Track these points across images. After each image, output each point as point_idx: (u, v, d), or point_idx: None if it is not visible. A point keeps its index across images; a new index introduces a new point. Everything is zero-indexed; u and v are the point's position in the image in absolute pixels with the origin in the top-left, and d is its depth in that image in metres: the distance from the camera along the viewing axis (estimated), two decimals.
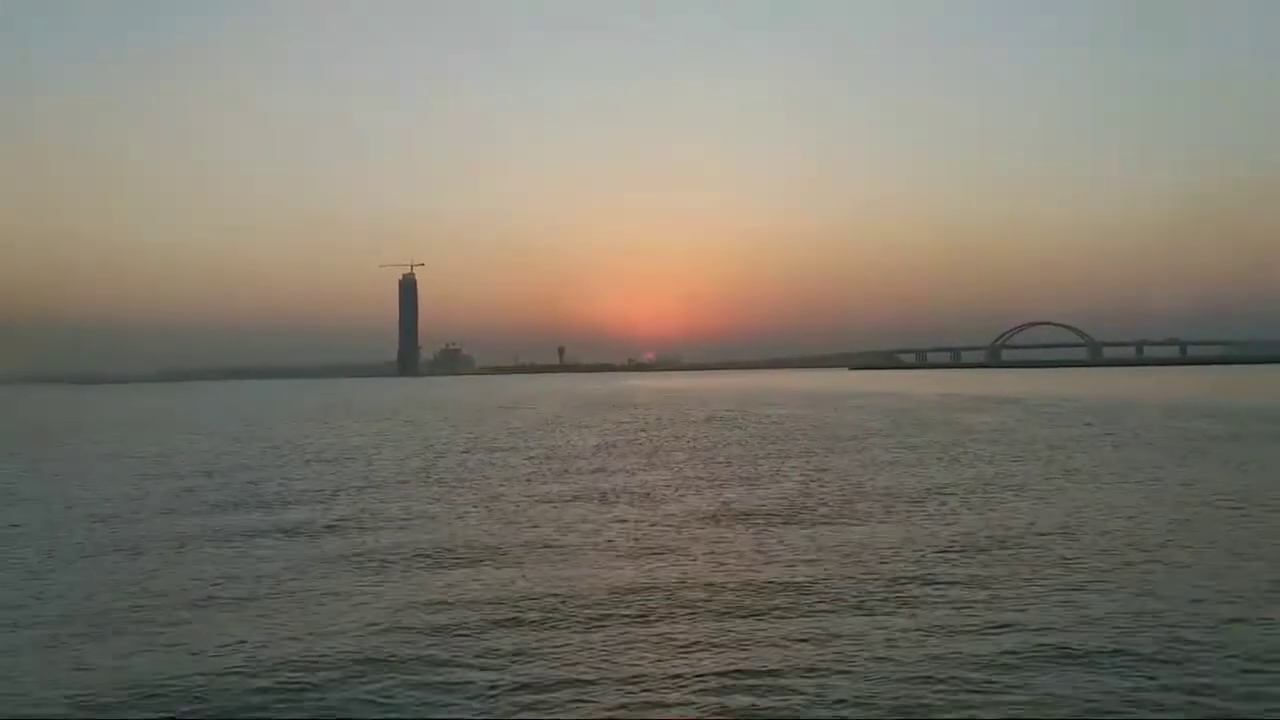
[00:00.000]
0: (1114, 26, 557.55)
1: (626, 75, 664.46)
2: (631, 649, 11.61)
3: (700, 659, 11.19)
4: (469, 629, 12.65)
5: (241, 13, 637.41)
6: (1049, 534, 18.33)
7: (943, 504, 22.36)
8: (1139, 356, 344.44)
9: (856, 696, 9.87)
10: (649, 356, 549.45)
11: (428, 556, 17.51)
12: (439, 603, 14.03)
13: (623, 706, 9.78)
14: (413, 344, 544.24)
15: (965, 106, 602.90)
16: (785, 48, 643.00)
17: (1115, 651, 11.09)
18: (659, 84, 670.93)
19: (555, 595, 14.31)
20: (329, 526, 21.16)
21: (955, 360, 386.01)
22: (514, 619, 13.08)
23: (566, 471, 31.53)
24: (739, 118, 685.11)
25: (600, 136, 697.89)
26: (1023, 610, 12.88)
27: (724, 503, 23.52)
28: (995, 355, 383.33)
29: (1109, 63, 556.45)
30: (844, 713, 9.53)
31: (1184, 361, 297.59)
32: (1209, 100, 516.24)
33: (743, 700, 9.85)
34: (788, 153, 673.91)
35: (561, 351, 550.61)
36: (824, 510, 21.91)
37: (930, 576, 14.95)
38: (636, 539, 18.91)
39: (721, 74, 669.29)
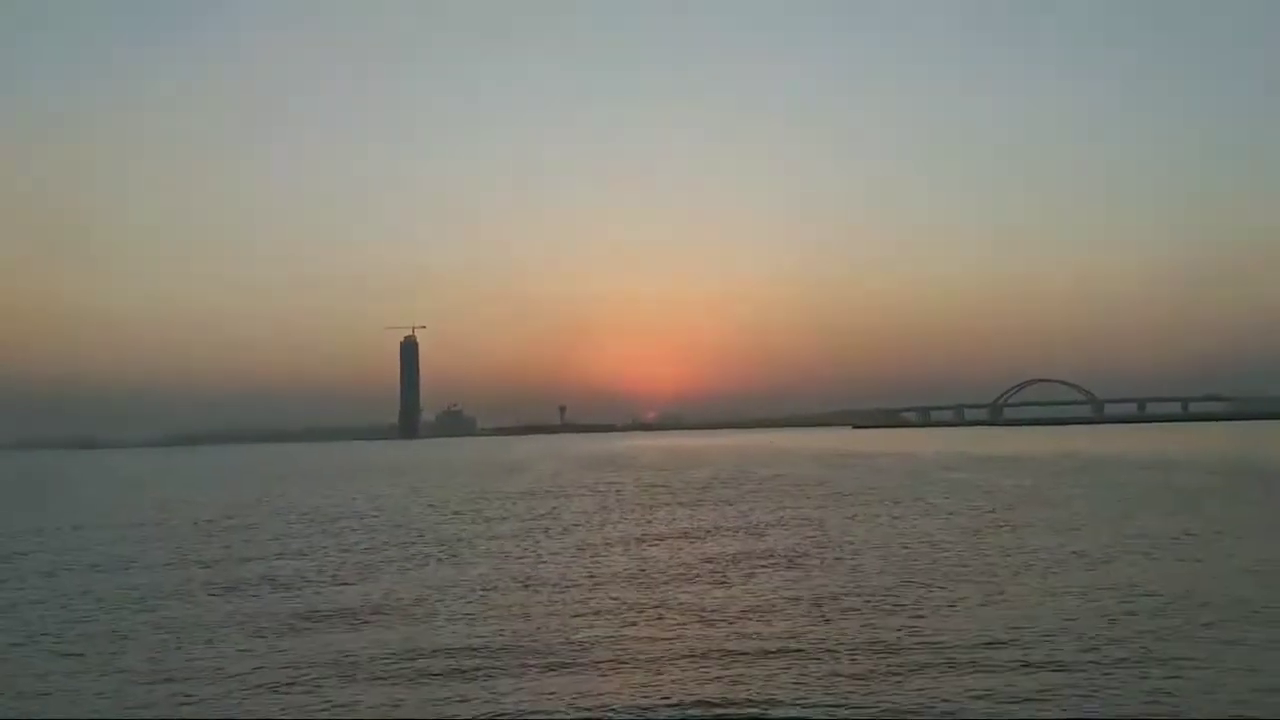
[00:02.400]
0: (1114, 80, 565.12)
1: (623, 132, 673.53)
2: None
3: None
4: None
5: (236, 68, 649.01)
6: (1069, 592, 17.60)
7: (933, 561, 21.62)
8: (1141, 414, 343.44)
9: None
10: (651, 416, 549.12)
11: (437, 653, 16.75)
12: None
13: None
14: (414, 406, 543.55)
15: (964, 161, 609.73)
16: (783, 102, 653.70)
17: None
18: (656, 135, 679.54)
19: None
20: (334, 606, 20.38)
21: (959, 418, 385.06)
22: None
23: (561, 539, 30.75)
24: (734, 176, 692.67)
25: (598, 193, 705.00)
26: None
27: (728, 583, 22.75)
28: (998, 413, 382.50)
29: (1110, 117, 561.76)
30: None
31: (1186, 418, 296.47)
32: (1213, 156, 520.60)
33: None
34: (787, 210, 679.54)
35: (563, 411, 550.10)
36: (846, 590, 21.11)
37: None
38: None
39: (719, 130, 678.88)
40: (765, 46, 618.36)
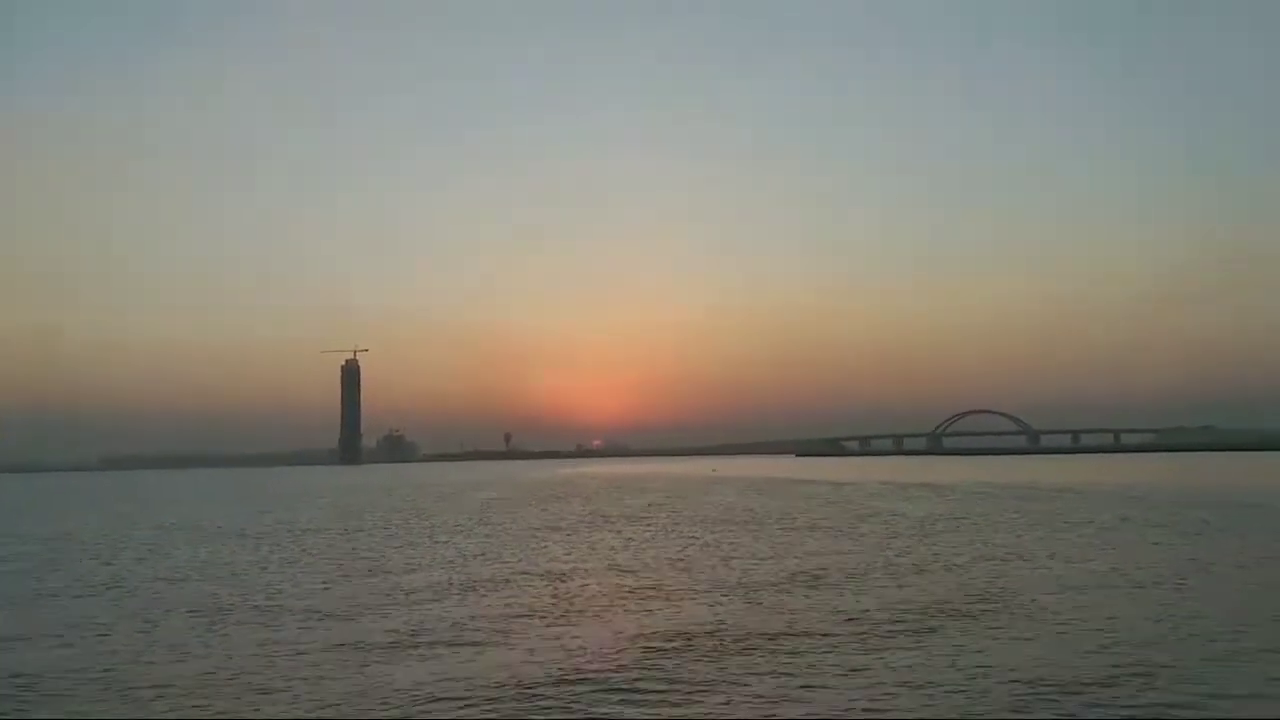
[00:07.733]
0: (1053, 104, 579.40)
1: (568, 156, 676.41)
2: None
3: None
4: None
5: (184, 98, 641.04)
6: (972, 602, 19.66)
7: (857, 582, 23.63)
8: (1075, 445, 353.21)
9: None
10: (597, 443, 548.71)
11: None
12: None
13: None
14: (355, 431, 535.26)
15: (907, 191, 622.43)
16: (726, 135, 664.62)
17: None
18: (601, 165, 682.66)
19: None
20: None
21: (898, 447, 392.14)
22: None
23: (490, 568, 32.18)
24: (682, 203, 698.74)
25: (543, 223, 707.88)
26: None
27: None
28: (937, 442, 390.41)
29: (1056, 152, 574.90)
30: None
31: (1117, 449, 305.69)
32: (1149, 192, 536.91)
33: None
34: (730, 240, 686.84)
35: (508, 438, 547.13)
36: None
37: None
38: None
39: (663, 159, 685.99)
40: (707, 79, 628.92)
